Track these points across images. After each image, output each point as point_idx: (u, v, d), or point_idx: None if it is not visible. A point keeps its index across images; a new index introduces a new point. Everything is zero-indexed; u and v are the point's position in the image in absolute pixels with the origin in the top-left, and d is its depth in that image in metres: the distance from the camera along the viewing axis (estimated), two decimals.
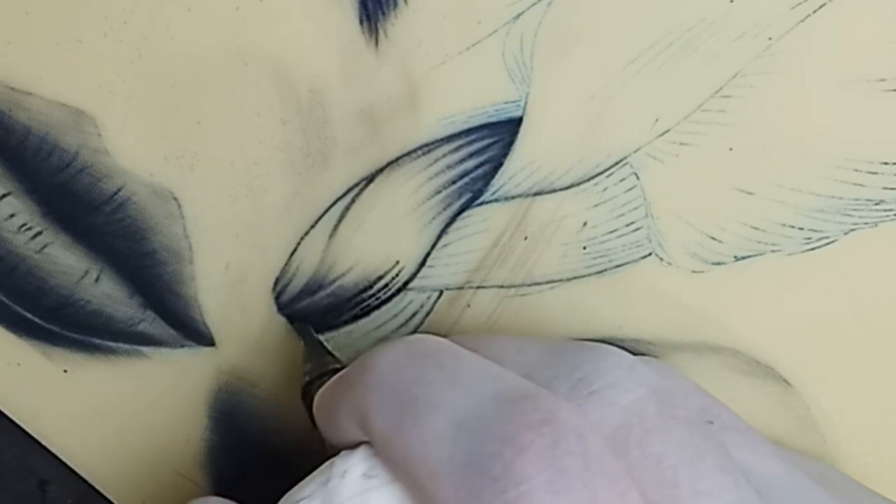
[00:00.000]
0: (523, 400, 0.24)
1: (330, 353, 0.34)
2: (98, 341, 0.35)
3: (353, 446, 0.27)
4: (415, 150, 0.33)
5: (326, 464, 0.27)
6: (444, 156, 0.33)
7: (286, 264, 0.34)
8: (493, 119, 0.32)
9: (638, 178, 0.33)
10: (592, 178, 0.33)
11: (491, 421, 0.23)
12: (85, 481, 0.36)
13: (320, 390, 0.29)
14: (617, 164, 0.33)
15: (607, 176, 0.33)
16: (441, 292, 0.35)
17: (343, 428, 0.26)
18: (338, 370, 0.32)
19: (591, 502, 0.22)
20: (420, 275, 0.34)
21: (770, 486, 0.25)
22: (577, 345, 0.27)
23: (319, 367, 0.33)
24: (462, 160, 0.33)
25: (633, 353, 0.34)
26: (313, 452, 0.36)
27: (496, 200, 0.33)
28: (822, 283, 0.33)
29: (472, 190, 0.33)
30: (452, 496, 0.23)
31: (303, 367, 0.33)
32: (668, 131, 0.32)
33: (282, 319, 0.35)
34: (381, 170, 0.33)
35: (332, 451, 0.29)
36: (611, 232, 0.33)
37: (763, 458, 0.26)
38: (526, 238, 0.34)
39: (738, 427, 0.26)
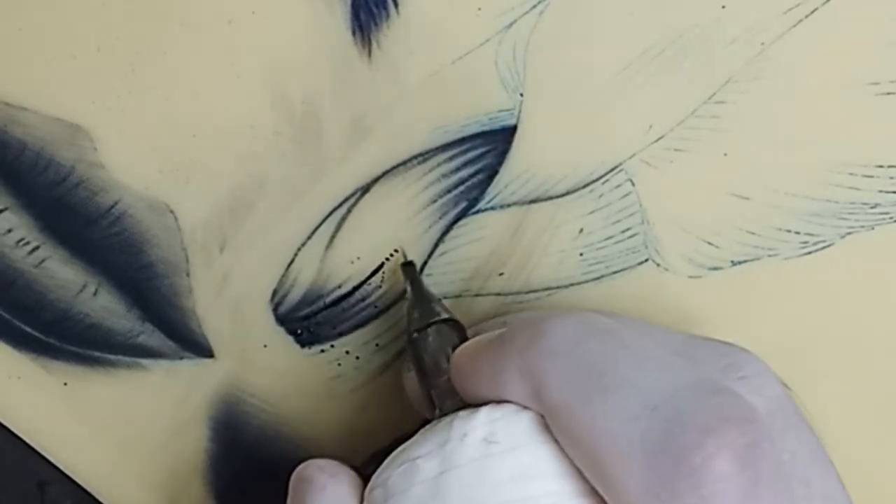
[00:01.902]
0: (723, 393, 0.24)
1: (438, 303, 0.32)
2: (97, 354, 0.35)
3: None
4: (410, 160, 0.33)
5: (444, 422, 0.26)
6: (439, 165, 0.33)
7: (283, 275, 0.34)
8: (488, 128, 0.32)
9: (633, 184, 0.33)
10: (588, 185, 0.33)
11: (692, 409, 0.23)
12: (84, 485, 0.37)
13: (469, 345, 0.28)
14: (612, 170, 0.33)
15: (602, 183, 0.33)
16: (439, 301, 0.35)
17: (505, 390, 0.26)
18: (447, 321, 0.31)
19: None
20: None
21: None
22: (713, 340, 0.28)
23: (428, 316, 0.31)
24: (457, 169, 0.33)
25: None
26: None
27: (492, 209, 0.33)
28: (819, 286, 0.33)
29: (468, 198, 0.33)
30: (639, 479, 0.23)
31: (409, 315, 0.32)
32: (662, 137, 0.32)
33: (280, 330, 0.35)
34: (376, 180, 0.33)
35: (440, 402, 0.29)
36: (607, 238, 0.33)
37: None
38: (522, 246, 0.34)
39: None
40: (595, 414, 0.24)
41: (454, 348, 0.29)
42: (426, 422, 0.28)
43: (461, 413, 0.26)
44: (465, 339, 0.30)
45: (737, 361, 0.25)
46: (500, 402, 0.26)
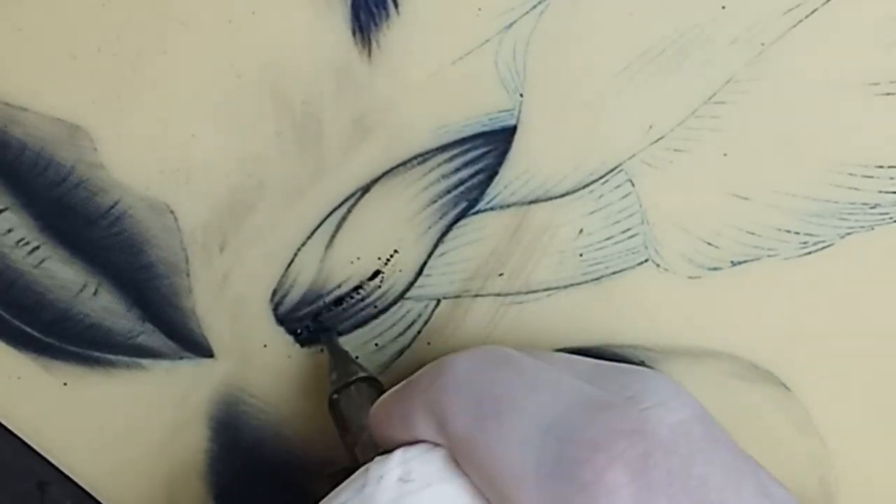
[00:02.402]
0: (612, 408, 0.24)
1: (354, 363, 0.34)
2: (97, 354, 0.35)
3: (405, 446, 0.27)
4: (410, 160, 0.33)
5: (361, 469, 0.27)
6: (438, 165, 0.33)
7: (283, 276, 0.34)
8: (488, 128, 0.32)
9: (633, 184, 0.33)
10: (588, 185, 0.33)
11: (581, 426, 0.24)
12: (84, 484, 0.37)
13: (383, 396, 0.29)
14: (612, 171, 0.33)
15: (602, 183, 0.33)
16: (439, 301, 0.35)
17: (415, 429, 0.27)
18: (365, 379, 0.32)
19: None
20: (417, 284, 0.34)
21: None
22: (622, 365, 0.28)
23: (346, 377, 0.33)
24: (457, 169, 0.33)
25: (631, 361, 0.34)
26: (313, 462, 0.36)
27: (492, 209, 0.33)
28: (819, 286, 0.33)
29: (468, 199, 0.33)
30: (538, 500, 0.23)
31: (329, 377, 0.33)
32: (662, 138, 0.32)
33: (280, 330, 0.35)
34: (376, 180, 0.33)
35: (363, 456, 0.29)
36: (607, 239, 0.33)
37: (784, 492, 0.26)
38: (522, 246, 0.34)
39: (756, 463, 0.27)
40: (490, 440, 0.24)
41: (373, 404, 0.30)
42: None
43: (377, 458, 0.27)
44: (382, 394, 0.30)
45: (639, 393, 0.26)
46: (413, 443, 0.27)
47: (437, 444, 0.26)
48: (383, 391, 0.30)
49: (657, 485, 0.23)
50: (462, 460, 0.25)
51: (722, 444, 0.25)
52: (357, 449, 0.31)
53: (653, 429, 0.24)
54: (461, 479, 0.25)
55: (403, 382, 0.28)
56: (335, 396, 0.33)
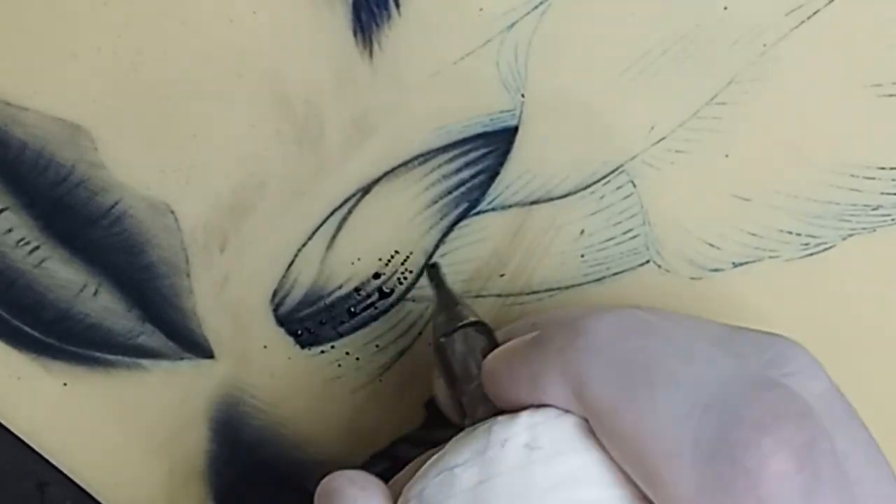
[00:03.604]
0: (776, 388, 0.23)
1: (464, 304, 0.31)
2: (97, 354, 0.35)
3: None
4: (411, 161, 0.33)
5: (482, 428, 0.25)
6: (440, 165, 0.33)
7: (284, 276, 0.34)
8: (489, 128, 0.32)
9: (634, 185, 0.33)
10: (589, 186, 0.33)
11: (743, 407, 0.22)
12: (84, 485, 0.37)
13: (504, 349, 0.27)
14: (613, 172, 0.33)
15: (604, 184, 0.33)
16: None
17: (544, 392, 0.25)
18: (474, 324, 0.29)
19: None
20: (418, 285, 0.34)
21: None
22: (755, 330, 0.27)
23: (455, 320, 0.30)
24: (458, 170, 0.33)
25: None
26: (313, 462, 0.36)
27: (493, 210, 0.33)
28: (820, 288, 0.33)
29: (469, 199, 0.33)
30: (692, 480, 0.22)
31: (434, 319, 0.31)
32: (663, 139, 0.32)
33: (281, 331, 0.35)
34: (377, 180, 0.33)
35: (471, 410, 0.28)
36: (608, 240, 0.33)
37: None
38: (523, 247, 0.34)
39: None
40: (641, 412, 0.23)
41: (483, 353, 0.28)
42: (439, 427, 0.28)
43: (500, 419, 0.25)
44: (493, 342, 0.29)
45: (780, 356, 0.25)
46: (538, 406, 0.25)
47: (567, 411, 0.25)
48: (493, 338, 0.29)
49: (825, 474, 0.22)
50: (602, 431, 0.24)
51: (857, 420, 0.24)
52: (464, 399, 0.29)
53: (818, 412, 0.22)
54: (594, 451, 0.24)
55: (529, 338, 0.26)
56: (442, 340, 0.30)
